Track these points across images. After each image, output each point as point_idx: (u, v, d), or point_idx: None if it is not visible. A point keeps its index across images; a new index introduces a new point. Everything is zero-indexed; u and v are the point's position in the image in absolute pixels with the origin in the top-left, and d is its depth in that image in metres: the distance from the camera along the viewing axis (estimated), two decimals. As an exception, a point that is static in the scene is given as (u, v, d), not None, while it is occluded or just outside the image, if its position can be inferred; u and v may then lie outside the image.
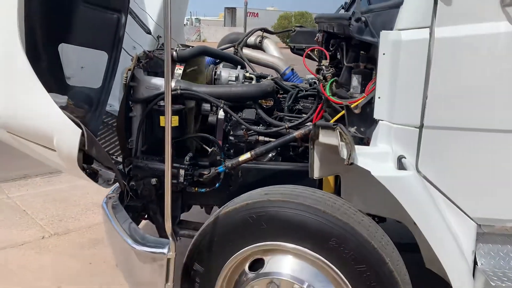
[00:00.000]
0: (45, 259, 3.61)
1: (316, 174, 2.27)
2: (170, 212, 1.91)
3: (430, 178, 1.98)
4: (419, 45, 1.86)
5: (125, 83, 2.58)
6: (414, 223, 2.29)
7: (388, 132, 1.98)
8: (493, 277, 1.98)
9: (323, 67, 2.68)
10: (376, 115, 2.01)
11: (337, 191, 2.65)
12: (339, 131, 1.93)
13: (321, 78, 2.57)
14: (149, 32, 3.35)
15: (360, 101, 2.12)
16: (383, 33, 1.93)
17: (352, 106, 2.14)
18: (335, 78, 2.48)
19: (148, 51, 2.75)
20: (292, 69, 3.34)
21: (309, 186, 2.37)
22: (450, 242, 1.97)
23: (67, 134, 1.90)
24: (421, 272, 2.37)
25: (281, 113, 2.80)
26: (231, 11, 55.17)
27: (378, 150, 1.98)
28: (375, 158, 1.94)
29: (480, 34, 1.82)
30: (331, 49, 2.66)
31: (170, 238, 1.99)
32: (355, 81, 2.24)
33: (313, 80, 3.12)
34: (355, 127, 2.21)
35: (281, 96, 2.89)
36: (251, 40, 3.61)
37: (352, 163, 1.84)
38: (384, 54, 1.93)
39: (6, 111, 1.95)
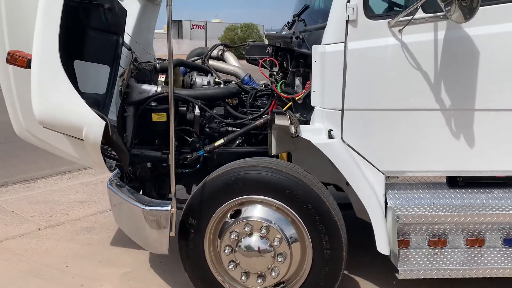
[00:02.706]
0: (47, 244, 4.21)
1: (274, 151, 3.12)
2: (174, 178, 2.68)
3: (352, 144, 2.88)
4: (337, 54, 2.76)
5: (120, 90, 3.33)
6: (346, 184, 3.19)
7: (321, 115, 2.87)
8: (397, 210, 2.91)
9: (274, 72, 3.55)
10: (312, 103, 2.90)
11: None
12: (288, 115, 2.79)
13: (273, 80, 3.44)
14: (129, 49, 4.06)
15: (301, 95, 3.01)
16: (314, 47, 2.83)
17: (296, 98, 3.02)
18: (284, 80, 3.36)
19: (137, 64, 3.51)
20: (250, 76, 4.18)
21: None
22: (367, 189, 2.87)
23: (94, 125, 2.62)
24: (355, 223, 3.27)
25: (245, 109, 3.63)
26: (177, 23, 55.58)
27: (315, 127, 2.87)
28: (313, 132, 2.83)
29: (377, 45, 2.75)
30: (279, 59, 3.55)
31: (173, 197, 2.76)
32: (297, 81, 3.13)
33: (267, 83, 3.99)
34: (299, 113, 3.09)
35: (243, 96, 3.72)
36: (214, 53, 4.43)
37: (298, 136, 2.71)
38: (315, 61, 2.83)
39: (45, 109, 2.63)
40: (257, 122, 3.36)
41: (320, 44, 2.83)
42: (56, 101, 2.63)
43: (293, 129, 2.72)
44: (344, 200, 3.38)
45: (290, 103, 3.13)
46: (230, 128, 3.52)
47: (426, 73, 2.76)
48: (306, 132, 2.79)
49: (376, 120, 2.85)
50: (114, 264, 3.84)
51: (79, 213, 4.99)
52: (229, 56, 4.45)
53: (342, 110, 2.82)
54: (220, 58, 4.46)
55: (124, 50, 3.99)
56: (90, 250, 4.09)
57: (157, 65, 3.58)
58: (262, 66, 4.13)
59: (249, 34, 37.08)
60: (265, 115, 3.47)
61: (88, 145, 2.75)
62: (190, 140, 3.47)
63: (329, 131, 2.82)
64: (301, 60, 3.13)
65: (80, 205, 5.26)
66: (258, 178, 2.80)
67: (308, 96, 2.98)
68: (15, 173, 6.46)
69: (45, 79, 2.60)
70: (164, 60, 4.05)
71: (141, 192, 3.53)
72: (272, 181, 2.78)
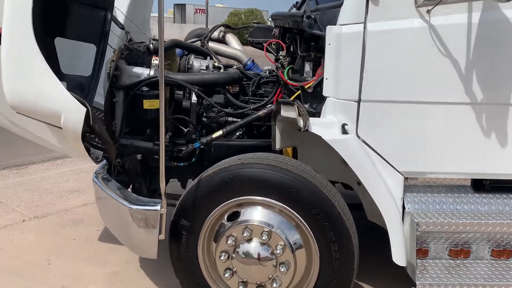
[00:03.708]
0: (30, 238, 3.90)
1: (278, 146, 2.78)
2: (164, 174, 2.35)
3: (367, 141, 2.53)
4: (355, 36, 2.40)
5: (109, 72, 2.97)
6: (358, 184, 2.86)
7: (334, 106, 2.52)
8: (417, 216, 2.57)
9: (281, 57, 3.19)
10: (324, 93, 2.55)
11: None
12: (296, 106, 2.44)
13: (279, 66, 3.08)
14: (122, 28, 3.69)
15: (312, 82, 2.65)
16: (328, 28, 2.46)
17: (306, 87, 2.66)
18: (291, 65, 3.00)
19: (128, 44, 3.15)
20: (253, 60, 3.82)
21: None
22: (384, 191, 2.54)
23: (74, 112, 2.28)
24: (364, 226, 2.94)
25: (246, 97, 3.28)
26: (181, 7, 54.72)
27: (327, 120, 2.52)
28: (325, 126, 2.48)
29: (401, 28, 2.39)
30: (287, 41, 3.18)
31: (163, 196, 2.42)
32: (307, 67, 2.77)
33: (272, 69, 3.63)
34: (309, 103, 2.73)
35: (245, 83, 3.37)
36: (215, 34, 4.05)
37: (307, 130, 2.36)
38: (329, 44, 2.47)
39: (17, 93, 2.29)
40: (260, 113, 3.01)
41: (335, 24, 2.46)
42: (29, 84, 2.28)
43: (301, 122, 2.37)
44: (352, 200, 3.05)
45: (298, 92, 2.77)
46: (229, 119, 3.19)
47: (456, 62, 2.40)
48: (316, 125, 2.43)
49: (397, 114, 2.49)
50: (101, 262, 3.53)
51: (68, 204, 4.67)
52: (231, 38, 4.08)
53: (359, 101, 2.47)
54: (221, 41, 4.09)
55: (118, 30, 3.63)
56: (76, 246, 3.78)
57: (151, 45, 3.21)
58: (267, 50, 3.78)
59: (253, 20, 36.56)
60: (269, 105, 3.13)
61: (67, 134, 2.42)
62: (185, 130, 3.13)
63: (343, 126, 2.47)
64: (312, 43, 2.77)
65: (69, 194, 4.95)
66: (260, 177, 2.46)
67: (319, 84, 2.63)
68: (5, 158, 6.14)
69: (17, 58, 2.26)
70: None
71: (130, 187, 3.22)
72: (275, 180, 2.44)
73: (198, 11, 52.39)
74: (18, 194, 4.89)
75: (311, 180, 2.44)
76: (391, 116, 2.50)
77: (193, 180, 3.32)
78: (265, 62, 3.96)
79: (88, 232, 4.03)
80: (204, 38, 3.88)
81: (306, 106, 2.70)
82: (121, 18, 3.73)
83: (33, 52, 2.22)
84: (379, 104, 2.48)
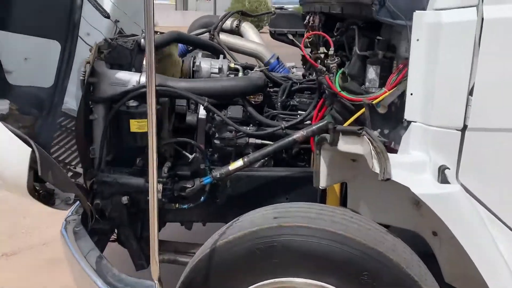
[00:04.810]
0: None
1: (323, 184, 1.92)
2: (157, 253, 1.47)
3: (472, 190, 1.64)
4: (464, 28, 1.50)
5: (83, 79, 2.09)
6: (433, 234, 2.00)
7: (423, 136, 1.62)
8: (543, 301, 1.69)
9: (322, 55, 2.28)
10: (407, 116, 1.64)
11: (342, 199, 2.31)
12: (368, 138, 1.54)
13: (323, 69, 2.17)
14: (107, 16, 2.81)
15: (383, 96, 1.73)
16: (417, 14, 1.56)
17: (374, 102, 1.75)
18: (342, 69, 2.09)
19: (110, 38, 2.26)
20: (278, 58, 2.92)
21: (310, 193, 2.14)
22: (499, 262, 1.66)
23: (11, 157, 1.41)
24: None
25: (274, 111, 2.39)
26: (182, -7, 53.41)
27: (413, 159, 1.62)
28: (411, 169, 1.58)
29: (539, 13, 1.48)
30: (335, 33, 2.26)
31: (157, 284, 1.54)
32: (372, 72, 1.86)
33: (296, 67, 2.75)
34: (378, 129, 1.83)
35: (271, 90, 2.48)
36: (227, 24, 3.16)
37: (388, 179, 1.47)
38: (418, 40, 1.56)
39: None
40: (296, 136, 2.11)
41: (425, 9, 1.56)
42: None
43: (377, 167, 1.48)
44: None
45: (362, 110, 1.85)
46: (251, 140, 2.31)
47: None
48: (397, 168, 1.53)
49: (523, 150, 1.60)
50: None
51: (47, 234, 3.78)
52: (247, 28, 3.20)
53: (463, 129, 1.57)
54: (235, 32, 3.20)
55: (103, 21, 2.75)
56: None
57: (142, 40, 2.32)
58: (295, 44, 2.90)
59: (257, 6, 35.34)
60: (308, 123, 2.24)
61: (7, 188, 1.54)
62: (190, 157, 2.25)
63: (441, 169, 1.57)
64: (378, 37, 1.86)
65: (50, 219, 4.02)
66: (309, 251, 1.57)
67: (393, 100, 1.73)
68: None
69: None
70: (157, 32, 2.79)
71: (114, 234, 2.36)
72: (335, 257, 1.55)
73: (201, -4, 51.08)
74: (-9, 218, 4.05)
75: (392, 256, 1.55)
76: (513, 152, 1.61)
77: (203, 224, 2.47)
78: (285, 58, 3.08)
79: (67, 278, 3.14)
80: (214, 28, 2.98)
81: (376, 133, 1.80)
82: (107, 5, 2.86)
83: None
84: (497, 135, 1.58)
